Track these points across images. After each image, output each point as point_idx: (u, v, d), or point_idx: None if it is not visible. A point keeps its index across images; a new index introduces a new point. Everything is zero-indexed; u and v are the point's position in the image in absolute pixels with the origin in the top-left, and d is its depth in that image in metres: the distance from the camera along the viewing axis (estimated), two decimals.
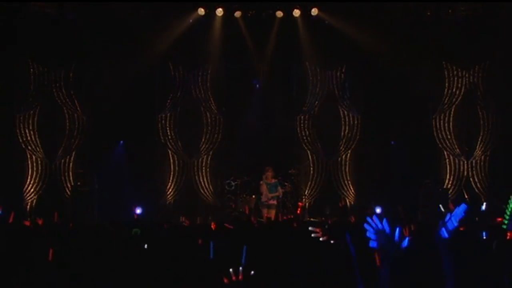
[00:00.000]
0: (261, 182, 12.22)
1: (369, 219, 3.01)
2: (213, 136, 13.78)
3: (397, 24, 12.96)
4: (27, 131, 12.97)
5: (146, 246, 5.35)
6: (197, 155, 13.75)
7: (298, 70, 14.00)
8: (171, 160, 13.68)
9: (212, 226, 7.30)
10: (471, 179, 13.40)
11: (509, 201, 5.43)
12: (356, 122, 13.77)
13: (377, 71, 13.25)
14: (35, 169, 12.98)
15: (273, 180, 12.23)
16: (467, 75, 13.47)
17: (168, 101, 13.68)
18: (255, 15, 13.35)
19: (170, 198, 13.58)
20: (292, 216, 11.44)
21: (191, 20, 13.37)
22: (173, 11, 13.10)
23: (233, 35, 13.39)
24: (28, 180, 12.91)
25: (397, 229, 2.94)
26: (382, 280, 2.93)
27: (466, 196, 12.88)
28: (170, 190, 13.60)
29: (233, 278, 4.02)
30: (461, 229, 2.91)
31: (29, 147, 13.00)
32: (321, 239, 4.06)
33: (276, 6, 13.20)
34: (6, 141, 12.79)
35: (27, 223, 8.61)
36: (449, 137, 13.54)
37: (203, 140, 13.76)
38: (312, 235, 4.06)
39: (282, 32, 13.35)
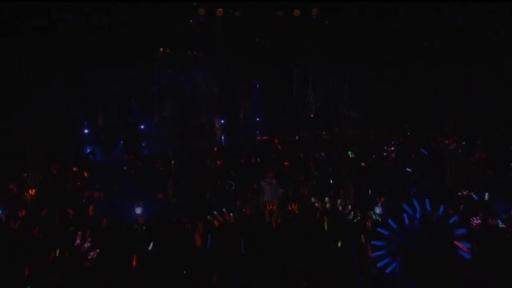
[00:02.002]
0: (263, 182, 12.12)
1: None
2: (213, 137, 13.77)
3: (397, 24, 12.97)
4: (27, 131, 12.95)
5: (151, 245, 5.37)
6: (197, 155, 13.73)
7: (298, 70, 14.00)
8: (171, 160, 13.66)
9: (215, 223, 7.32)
10: (471, 179, 13.40)
11: None
12: (356, 122, 13.76)
13: (377, 71, 13.27)
14: (35, 169, 12.97)
15: (275, 181, 12.19)
16: (467, 76, 13.48)
17: (168, 101, 13.69)
18: (255, 15, 13.35)
19: (170, 198, 13.54)
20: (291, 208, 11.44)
21: (191, 20, 13.39)
22: (173, 11, 13.10)
23: (233, 35, 13.40)
24: (29, 180, 12.91)
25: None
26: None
27: (465, 193, 12.89)
28: (170, 190, 13.57)
29: (221, 219, 4.07)
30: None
31: (29, 147, 12.98)
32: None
33: (276, 6, 13.21)
34: (6, 141, 12.77)
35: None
36: (449, 137, 13.56)
37: (203, 140, 13.76)
38: None
39: (282, 32, 13.35)
